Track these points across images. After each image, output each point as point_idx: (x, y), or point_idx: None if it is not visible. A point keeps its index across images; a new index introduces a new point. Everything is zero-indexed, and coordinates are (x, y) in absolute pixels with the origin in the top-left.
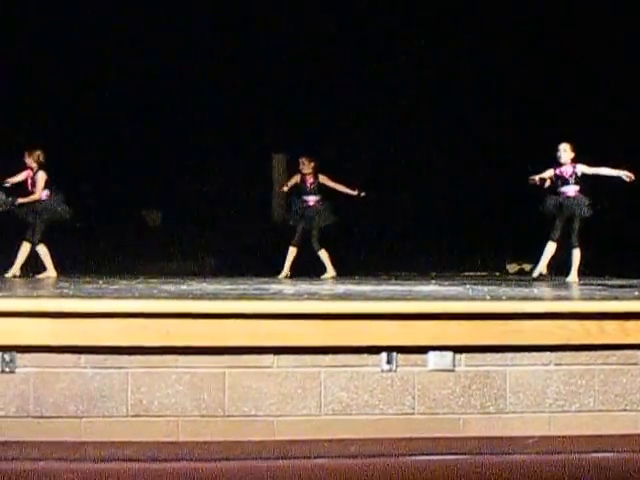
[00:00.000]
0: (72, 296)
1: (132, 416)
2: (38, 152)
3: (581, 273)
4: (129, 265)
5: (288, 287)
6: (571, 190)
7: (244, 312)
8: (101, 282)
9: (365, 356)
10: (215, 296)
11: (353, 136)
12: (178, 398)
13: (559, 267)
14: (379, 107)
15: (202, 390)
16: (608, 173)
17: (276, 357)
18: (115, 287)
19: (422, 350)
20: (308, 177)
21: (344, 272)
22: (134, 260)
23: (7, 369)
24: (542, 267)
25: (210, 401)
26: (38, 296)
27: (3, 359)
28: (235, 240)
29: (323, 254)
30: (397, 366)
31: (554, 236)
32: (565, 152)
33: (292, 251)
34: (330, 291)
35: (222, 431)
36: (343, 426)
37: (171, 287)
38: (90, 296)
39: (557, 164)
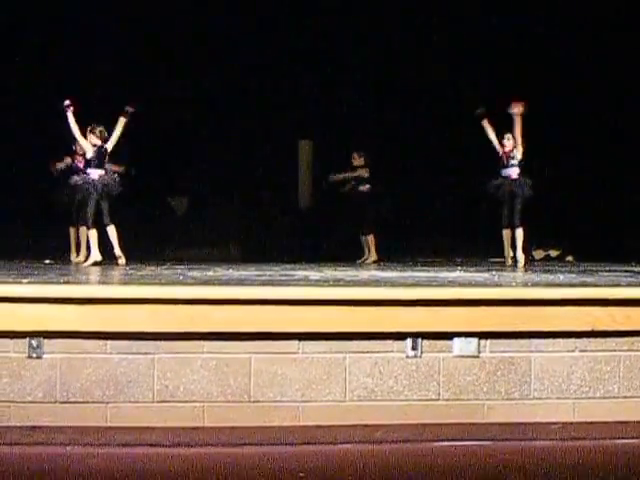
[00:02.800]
0: (99, 282)
1: (158, 401)
2: (100, 128)
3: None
4: (156, 251)
5: (313, 273)
6: (513, 173)
7: (270, 298)
8: (127, 268)
9: (390, 342)
10: (241, 282)
11: (382, 122)
12: (204, 384)
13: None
14: (406, 89)
15: (228, 376)
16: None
17: (301, 343)
18: (141, 273)
19: (447, 336)
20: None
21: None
22: (161, 247)
23: (34, 355)
24: (509, 254)
25: (236, 387)
26: (65, 282)
27: (30, 345)
28: (262, 226)
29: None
30: (422, 352)
31: (505, 223)
32: (509, 140)
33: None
34: (355, 277)
35: (247, 416)
36: (368, 412)
37: (197, 273)
38: (116, 282)
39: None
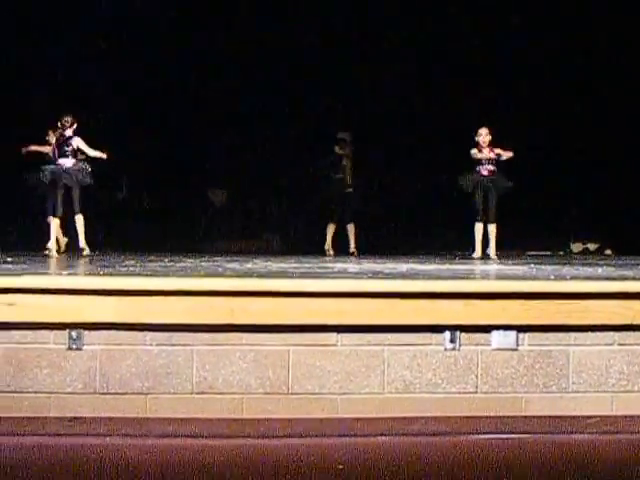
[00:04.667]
0: (138, 274)
1: (197, 393)
2: (67, 118)
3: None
4: (195, 243)
5: (352, 265)
6: (483, 170)
7: (308, 290)
8: (167, 260)
9: (428, 335)
10: (280, 274)
11: (419, 114)
12: (242, 375)
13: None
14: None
15: (266, 368)
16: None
17: (340, 335)
18: (181, 265)
19: (485, 329)
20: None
21: (408, 251)
22: (200, 238)
23: (74, 346)
24: (479, 249)
25: (274, 379)
26: (105, 274)
27: (70, 336)
28: (300, 219)
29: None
30: (460, 345)
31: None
32: (487, 136)
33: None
34: (394, 270)
35: (286, 408)
36: (406, 404)
37: (236, 265)
38: (156, 274)
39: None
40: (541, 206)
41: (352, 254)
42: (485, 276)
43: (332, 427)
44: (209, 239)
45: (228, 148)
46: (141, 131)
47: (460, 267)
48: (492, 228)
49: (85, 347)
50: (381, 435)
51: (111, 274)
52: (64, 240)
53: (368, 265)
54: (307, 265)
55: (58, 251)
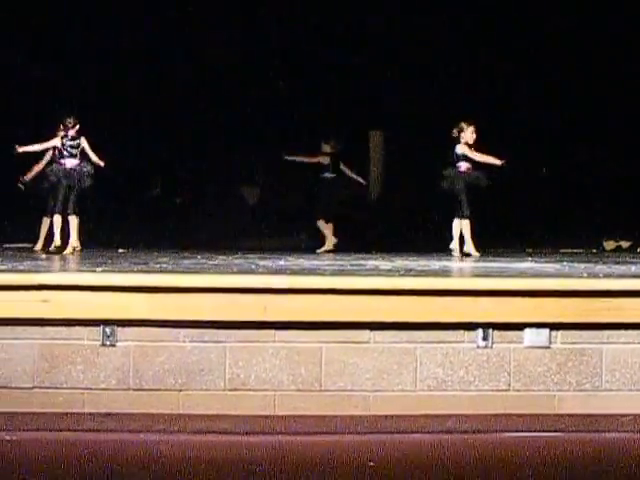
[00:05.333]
0: (171, 271)
1: (229, 390)
2: (70, 119)
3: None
4: (228, 241)
5: (384, 263)
6: (463, 166)
7: (341, 288)
8: (200, 257)
9: (461, 332)
10: (312, 272)
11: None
12: (275, 372)
13: None
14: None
15: (299, 365)
16: (487, 161)
17: (372, 332)
18: (213, 262)
19: (518, 327)
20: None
21: (442, 248)
22: (233, 236)
23: (108, 342)
24: (456, 245)
25: (307, 375)
26: (138, 271)
27: (104, 333)
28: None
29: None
30: (493, 342)
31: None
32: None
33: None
34: (426, 267)
35: (318, 405)
36: (438, 402)
37: (269, 262)
38: (189, 271)
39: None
40: (573, 204)
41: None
42: (518, 274)
43: (364, 424)
44: (242, 236)
45: (262, 145)
46: (174, 127)
47: (493, 265)
48: (467, 223)
49: (119, 343)
50: (413, 433)
51: (144, 271)
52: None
53: (400, 262)
54: (339, 262)
55: (59, 248)
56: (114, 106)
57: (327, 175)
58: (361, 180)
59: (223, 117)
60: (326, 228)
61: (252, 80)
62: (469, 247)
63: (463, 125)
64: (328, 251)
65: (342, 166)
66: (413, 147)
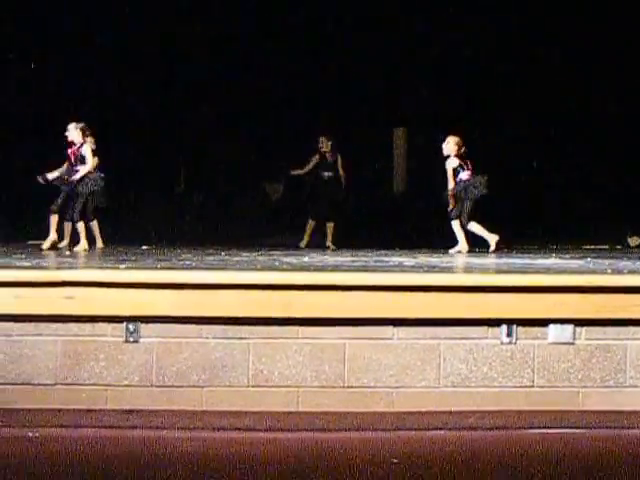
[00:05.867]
0: (195, 268)
1: (253, 386)
2: (82, 125)
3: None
4: (251, 237)
5: (408, 259)
6: (466, 175)
7: (365, 284)
8: (223, 254)
9: (485, 328)
10: (336, 268)
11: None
12: (298, 369)
13: None
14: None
15: (322, 361)
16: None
17: (396, 329)
18: (237, 259)
19: (542, 323)
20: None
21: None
22: (256, 232)
23: (131, 339)
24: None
25: (330, 372)
26: (162, 268)
27: (127, 329)
28: (356, 212)
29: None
30: (517, 339)
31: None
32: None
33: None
34: (450, 263)
35: (342, 402)
36: (462, 398)
37: (293, 259)
38: (212, 268)
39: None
40: (597, 199)
41: (328, 248)
42: (542, 270)
43: (387, 421)
44: (266, 233)
45: (284, 142)
46: (197, 125)
47: (517, 261)
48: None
49: (142, 340)
50: (436, 429)
51: (168, 268)
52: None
53: (424, 259)
54: (363, 259)
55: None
56: (134, 105)
57: (325, 174)
58: (342, 181)
59: (245, 113)
60: (309, 227)
61: (275, 76)
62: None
63: (455, 139)
64: (303, 247)
65: (339, 162)
66: (437, 144)
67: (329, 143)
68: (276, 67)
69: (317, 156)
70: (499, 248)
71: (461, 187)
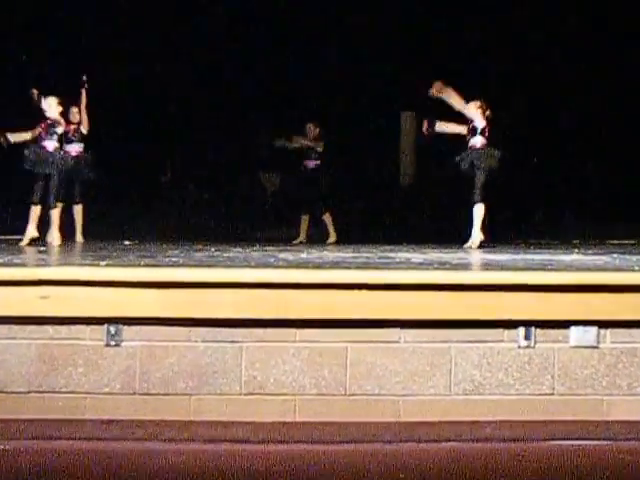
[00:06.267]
0: (182, 265)
1: (246, 394)
2: (76, 109)
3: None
4: (244, 231)
5: (416, 255)
6: (477, 142)
7: (368, 282)
8: (213, 249)
9: (500, 331)
10: (337, 265)
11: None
12: (296, 375)
13: None
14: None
15: (322, 367)
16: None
17: (403, 331)
18: (229, 255)
19: (563, 325)
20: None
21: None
22: (250, 226)
23: (113, 342)
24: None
25: (330, 379)
26: (146, 265)
27: (109, 331)
28: (359, 204)
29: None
30: (536, 342)
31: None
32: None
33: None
34: (463, 260)
35: (343, 411)
36: (475, 407)
37: (289, 255)
38: (202, 265)
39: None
40: (623, 193)
41: (331, 243)
42: (564, 267)
43: (393, 432)
44: (260, 226)
45: (285, 129)
46: (187, 111)
47: (536, 257)
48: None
49: (124, 343)
50: (448, 441)
51: (153, 265)
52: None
53: (433, 255)
54: (366, 255)
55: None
56: (121, 89)
57: (310, 164)
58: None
59: (241, 99)
60: (303, 222)
61: (274, 62)
62: (475, 234)
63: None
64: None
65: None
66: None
67: (317, 130)
68: (274, 49)
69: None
70: (481, 247)
71: (474, 156)
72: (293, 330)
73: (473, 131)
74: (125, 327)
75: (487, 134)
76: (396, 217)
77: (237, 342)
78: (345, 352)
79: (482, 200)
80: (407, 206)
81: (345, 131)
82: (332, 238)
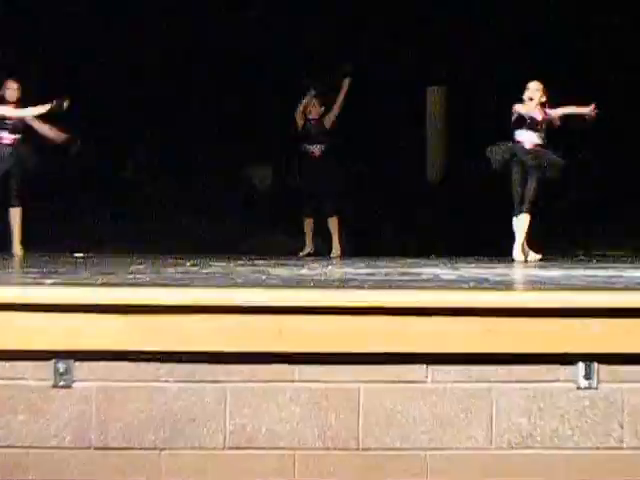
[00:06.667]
0: (149, 284)
1: (231, 448)
2: (16, 85)
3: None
4: (228, 240)
5: (447, 271)
6: (533, 139)
7: (386, 306)
8: (189, 264)
9: (554, 367)
10: (346, 283)
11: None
12: (294, 424)
13: None
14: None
15: (328, 413)
16: (573, 111)
17: (430, 368)
18: (208, 271)
19: (634, 359)
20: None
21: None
22: (235, 233)
23: (62, 383)
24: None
25: (339, 428)
26: (105, 284)
27: (57, 369)
28: (375, 204)
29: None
30: (599, 381)
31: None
32: (537, 92)
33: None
34: (505, 276)
35: (355, 470)
36: (522, 464)
37: (285, 271)
38: (174, 284)
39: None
40: None
41: (334, 257)
42: (634, 286)
43: None
44: (248, 234)
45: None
46: (155, 88)
47: (599, 273)
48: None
49: (76, 384)
50: None
51: (112, 284)
52: None
53: (469, 270)
54: (383, 271)
55: None
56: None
57: (313, 148)
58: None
59: (225, 74)
60: (307, 225)
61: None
62: (516, 249)
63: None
64: (308, 255)
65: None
66: (486, 109)
67: (321, 109)
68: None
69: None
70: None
71: (528, 156)
72: (291, 367)
73: (522, 123)
74: (77, 363)
75: (542, 128)
76: (422, 222)
77: (220, 382)
78: (357, 395)
79: (531, 211)
80: (435, 208)
81: (357, 112)
82: (336, 251)
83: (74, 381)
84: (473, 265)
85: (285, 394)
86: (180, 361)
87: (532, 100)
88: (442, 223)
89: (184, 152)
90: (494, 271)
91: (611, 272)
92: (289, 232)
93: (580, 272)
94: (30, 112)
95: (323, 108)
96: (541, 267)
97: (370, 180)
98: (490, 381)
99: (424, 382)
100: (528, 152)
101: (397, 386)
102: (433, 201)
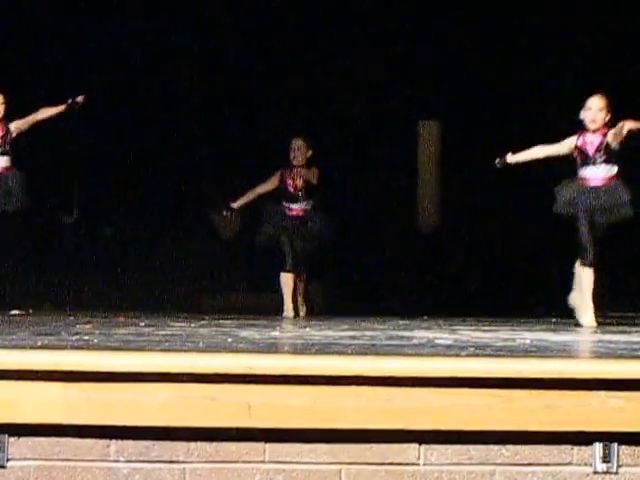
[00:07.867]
0: (97, 347)
1: None
2: None
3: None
4: (188, 297)
5: (442, 335)
6: (599, 174)
7: (372, 375)
8: (143, 324)
9: (567, 448)
10: (325, 349)
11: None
12: None
13: None
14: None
15: None
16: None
17: (424, 448)
18: (166, 332)
19: None
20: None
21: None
22: (197, 289)
23: None
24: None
25: None
26: (44, 346)
27: None
28: (360, 256)
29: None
30: (619, 465)
31: (586, 259)
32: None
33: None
34: (510, 341)
35: None
36: None
37: (254, 333)
38: (126, 347)
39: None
40: None
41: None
42: None
43: None
44: (211, 290)
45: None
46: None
47: (618, 338)
48: (589, 274)
49: (11, 463)
50: None
51: (54, 347)
52: None
53: (468, 333)
54: (369, 334)
55: None
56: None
57: (295, 207)
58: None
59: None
60: (285, 284)
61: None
62: (581, 312)
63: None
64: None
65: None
66: (484, 146)
67: (307, 153)
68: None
69: (278, 175)
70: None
71: (594, 195)
72: (261, 445)
73: (585, 156)
74: (13, 439)
75: (611, 158)
76: (413, 277)
77: (178, 462)
78: (338, 479)
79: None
80: (428, 262)
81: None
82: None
83: (9, 460)
84: (473, 328)
85: (253, 477)
86: (132, 437)
87: (595, 124)
88: (437, 278)
89: (138, 193)
90: (496, 335)
91: (634, 337)
92: (262, 288)
93: (597, 336)
94: (43, 115)
95: (310, 153)
96: (550, 330)
97: (352, 229)
98: (494, 463)
99: (416, 464)
100: (596, 190)
101: (384, 468)
102: (428, 252)
